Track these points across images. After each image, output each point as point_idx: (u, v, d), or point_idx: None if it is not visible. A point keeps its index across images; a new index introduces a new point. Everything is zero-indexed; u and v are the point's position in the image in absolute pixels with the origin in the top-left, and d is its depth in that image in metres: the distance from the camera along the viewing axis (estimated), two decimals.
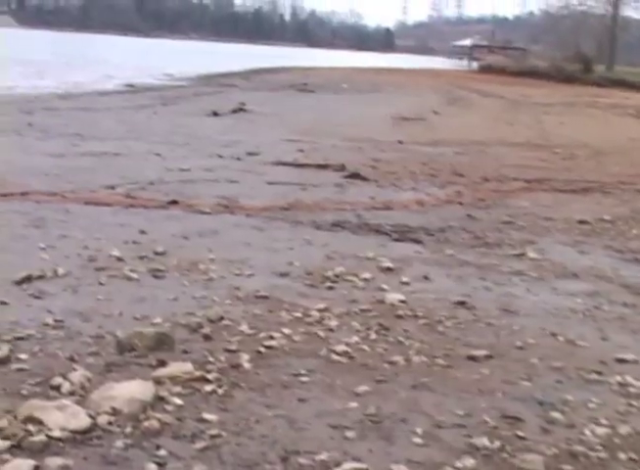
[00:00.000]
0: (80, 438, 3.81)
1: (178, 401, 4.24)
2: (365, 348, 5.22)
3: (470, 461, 3.86)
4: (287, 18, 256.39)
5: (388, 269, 7.13)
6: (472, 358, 5.14)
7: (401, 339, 5.42)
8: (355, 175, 12.23)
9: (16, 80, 32.44)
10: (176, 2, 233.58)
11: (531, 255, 8.05)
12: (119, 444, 3.79)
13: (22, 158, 12.26)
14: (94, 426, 3.89)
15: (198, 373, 4.56)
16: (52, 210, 8.76)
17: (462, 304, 6.26)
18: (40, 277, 6.23)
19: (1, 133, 14.97)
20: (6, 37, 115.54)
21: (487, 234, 8.88)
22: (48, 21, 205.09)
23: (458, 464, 3.82)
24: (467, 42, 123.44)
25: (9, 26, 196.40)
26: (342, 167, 12.92)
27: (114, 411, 4.00)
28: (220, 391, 4.43)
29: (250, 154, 14.09)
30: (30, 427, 3.82)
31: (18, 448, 3.69)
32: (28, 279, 6.13)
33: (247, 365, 4.79)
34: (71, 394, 4.24)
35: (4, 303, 5.62)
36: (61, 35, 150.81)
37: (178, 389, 4.38)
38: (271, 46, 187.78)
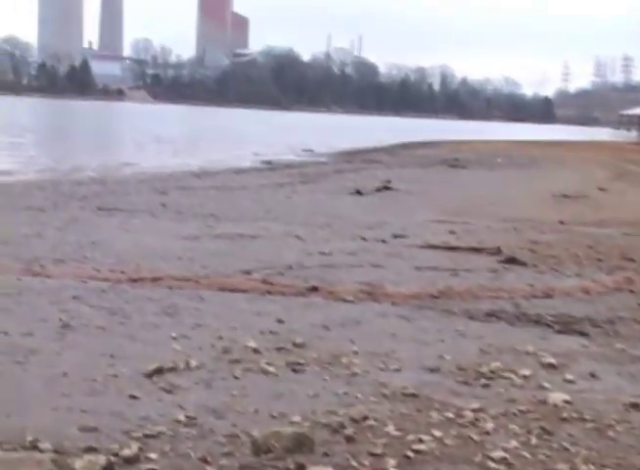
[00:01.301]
0: None
1: None
2: (525, 454, 5.09)
3: None
4: (436, 87, 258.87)
5: (551, 365, 6.98)
6: None
7: (566, 445, 5.26)
8: (512, 260, 12.09)
9: (150, 158, 33.70)
10: (317, 73, 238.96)
11: None
12: None
13: (155, 240, 12.64)
14: None
15: None
16: (185, 296, 8.96)
17: (636, 406, 6.05)
18: (172, 369, 6.35)
19: (134, 214, 15.49)
20: (142, 113, 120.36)
21: None
22: (184, 94, 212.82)
23: None
24: (637, 111, 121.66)
25: (144, 102, 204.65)
26: (497, 251, 12.81)
27: None
28: None
29: (396, 236, 14.13)
30: None
31: None
32: (160, 371, 6.26)
33: None
34: None
35: (134, 396, 5.75)
36: (197, 110, 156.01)
37: None
38: (419, 118, 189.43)
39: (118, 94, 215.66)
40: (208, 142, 49.01)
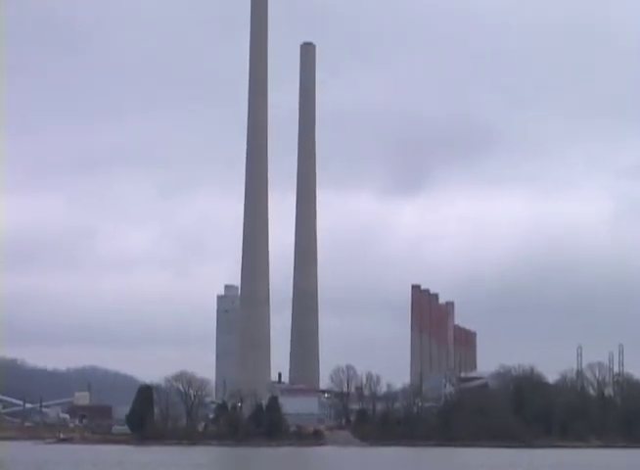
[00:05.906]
0: None
1: None
2: None
3: None
4: None
5: None
6: None
7: None
8: None
9: None
10: (568, 397, 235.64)
11: None
12: None
13: None
14: None
15: None
16: None
17: None
18: None
19: None
20: (346, 460, 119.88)
21: None
22: (398, 433, 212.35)
23: None
24: None
25: (348, 445, 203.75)
26: None
27: None
28: None
29: None
30: None
31: None
32: None
33: None
34: None
35: None
36: (416, 452, 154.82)
37: None
38: None
39: (316, 437, 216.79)
40: None
